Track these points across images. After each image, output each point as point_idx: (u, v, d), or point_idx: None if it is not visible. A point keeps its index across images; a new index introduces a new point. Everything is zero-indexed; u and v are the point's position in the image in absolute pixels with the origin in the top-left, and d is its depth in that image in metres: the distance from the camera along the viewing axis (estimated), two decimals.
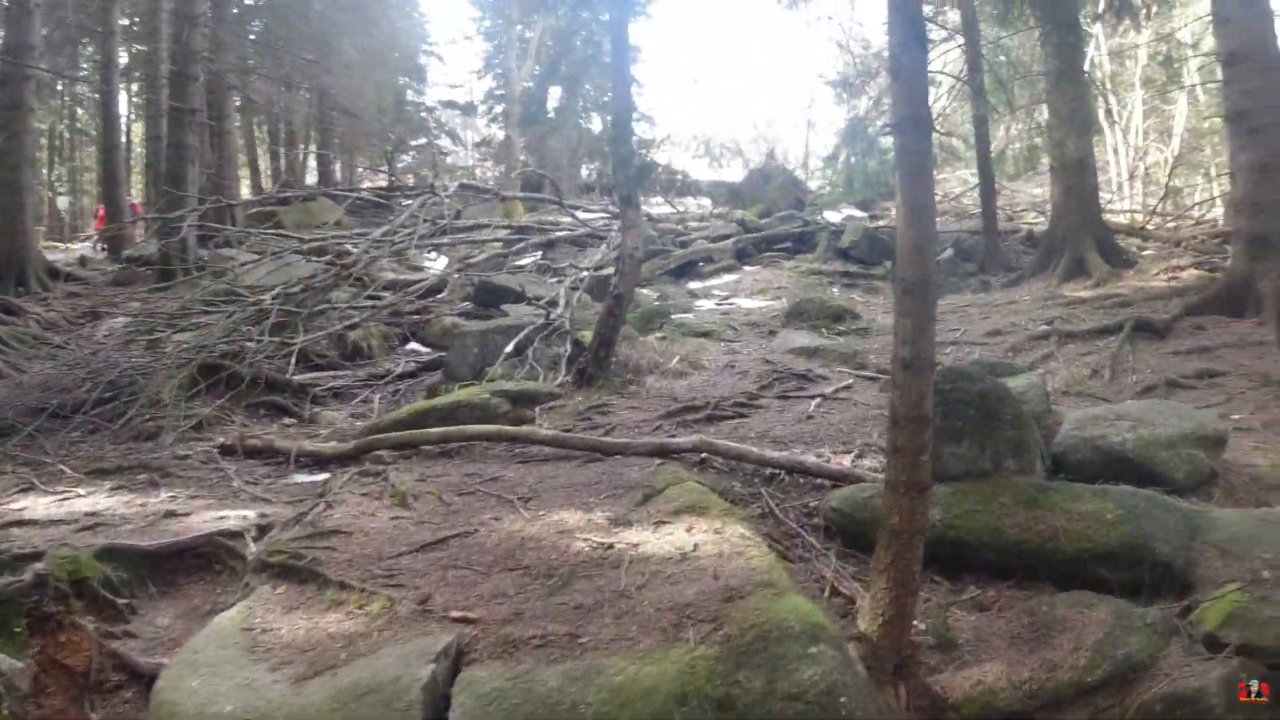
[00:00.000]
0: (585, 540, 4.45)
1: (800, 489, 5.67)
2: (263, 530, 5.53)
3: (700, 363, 9.27)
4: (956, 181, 25.29)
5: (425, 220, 16.71)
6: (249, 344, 9.78)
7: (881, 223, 19.13)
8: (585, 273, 14.30)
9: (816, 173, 27.55)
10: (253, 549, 5.22)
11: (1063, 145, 14.30)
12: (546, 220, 18.07)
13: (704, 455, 5.88)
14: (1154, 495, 4.96)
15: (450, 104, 33.68)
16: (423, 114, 32.97)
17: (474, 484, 5.64)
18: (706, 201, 25.99)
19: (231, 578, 5.07)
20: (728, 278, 15.30)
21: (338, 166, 32.71)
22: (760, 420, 7.08)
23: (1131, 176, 23.44)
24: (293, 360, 9.96)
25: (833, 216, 23.85)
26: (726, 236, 16.69)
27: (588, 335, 10.26)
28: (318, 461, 7.12)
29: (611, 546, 4.31)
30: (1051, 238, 14.54)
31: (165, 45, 19.22)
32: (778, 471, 5.74)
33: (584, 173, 34.68)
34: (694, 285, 15.16)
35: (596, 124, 35.36)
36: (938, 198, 24.50)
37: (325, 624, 4.06)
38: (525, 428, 6.79)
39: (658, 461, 5.76)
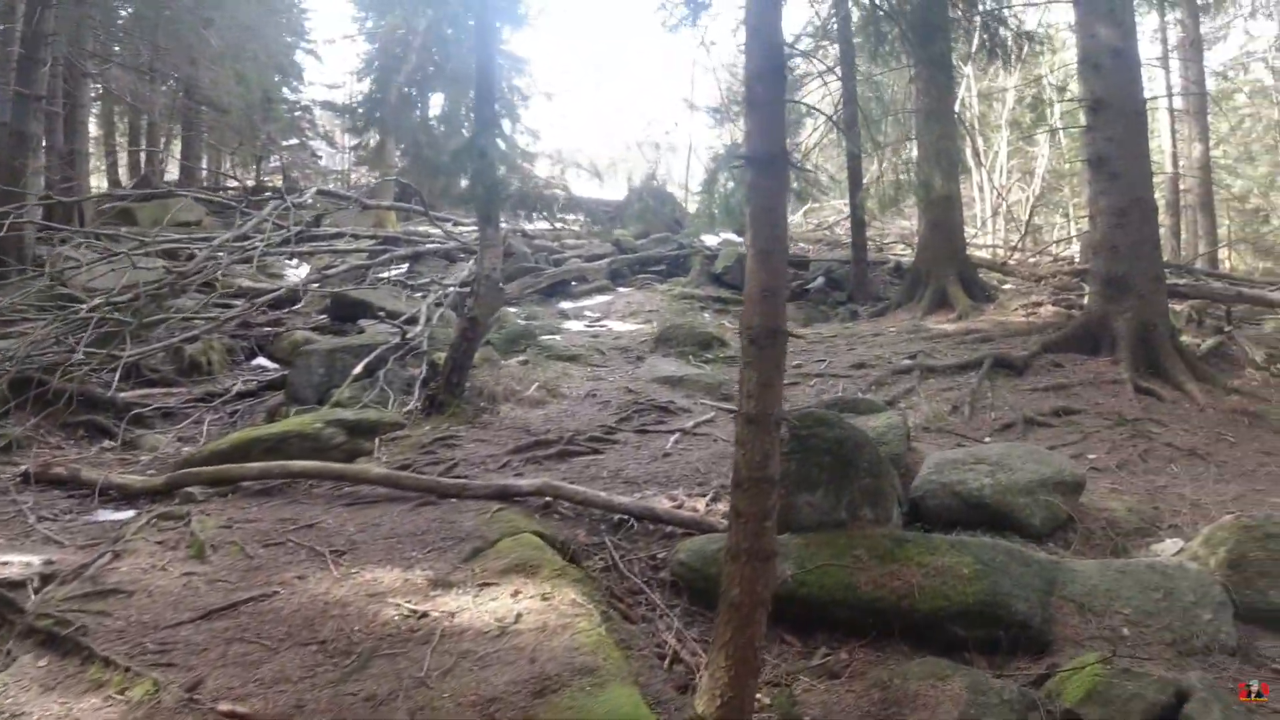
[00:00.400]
0: (397, 607, 3.91)
1: (650, 537, 5.25)
2: (46, 580, 4.79)
3: (560, 390, 8.80)
4: (832, 210, 25.63)
5: (280, 226, 15.86)
6: (73, 355, 8.81)
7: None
8: (450, 288, 13.67)
9: (696, 196, 27.52)
10: (33, 603, 4.48)
11: (930, 182, 14.44)
12: (416, 231, 17.31)
13: (548, 499, 5.40)
14: (1012, 548, 4.73)
15: (328, 105, 32.29)
16: (296, 113, 31.51)
17: (286, 531, 5.01)
18: (586, 220, 25.61)
19: (9, 636, 4.32)
20: (600, 299, 14.88)
21: (204, 163, 31.04)
22: (616, 457, 6.65)
23: (995, 214, 24.15)
24: (118, 375, 9.01)
25: (710, 240, 23.77)
26: (601, 256, 16.29)
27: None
28: (126, 496, 6.33)
29: (425, 615, 3.79)
30: (918, 270, 14.66)
31: (18, 27, 17.66)
32: (627, 518, 5.30)
33: (464, 183, 33.86)
34: (565, 305, 14.68)
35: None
36: (811, 226, 24.85)
37: (80, 711, 3.41)
38: (356, 465, 6.18)
39: (496, 506, 5.24)
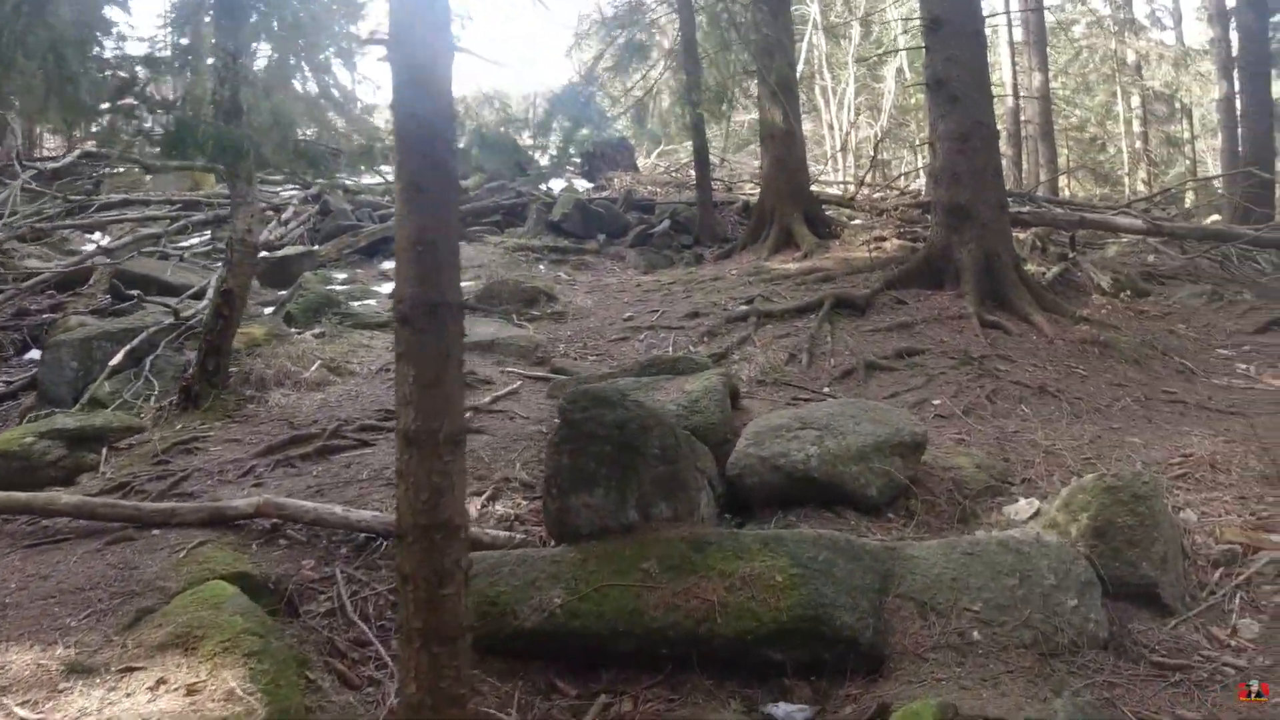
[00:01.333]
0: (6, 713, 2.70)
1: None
2: None
3: (349, 367, 7.51)
4: (685, 152, 24.58)
5: (58, 196, 13.83)
6: None
7: (606, 193, 17.93)
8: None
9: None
10: None
11: (771, 115, 13.52)
12: (225, 194, 15.41)
13: (275, 520, 4.18)
14: (839, 539, 3.78)
15: (150, 60, 29.19)
16: (106, 73, 28.34)
17: None
18: None
19: None
20: None
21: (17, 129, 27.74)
22: (387, 449, 5.45)
23: (843, 150, 23.59)
24: None
25: (556, 185, 22.47)
26: None
27: (247, 334, 8.27)
28: None
29: None
30: (762, 209, 13.77)
31: None
32: (374, 536, 4.15)
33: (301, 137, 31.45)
34: (388, 265, 13.21)
35: (313, 87, 32.09)
36: (664, 168, 23.76)
37: None
38: (45, 493, 4.80)
39: (198, 539, 3.99)
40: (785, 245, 12.96)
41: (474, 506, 4.51)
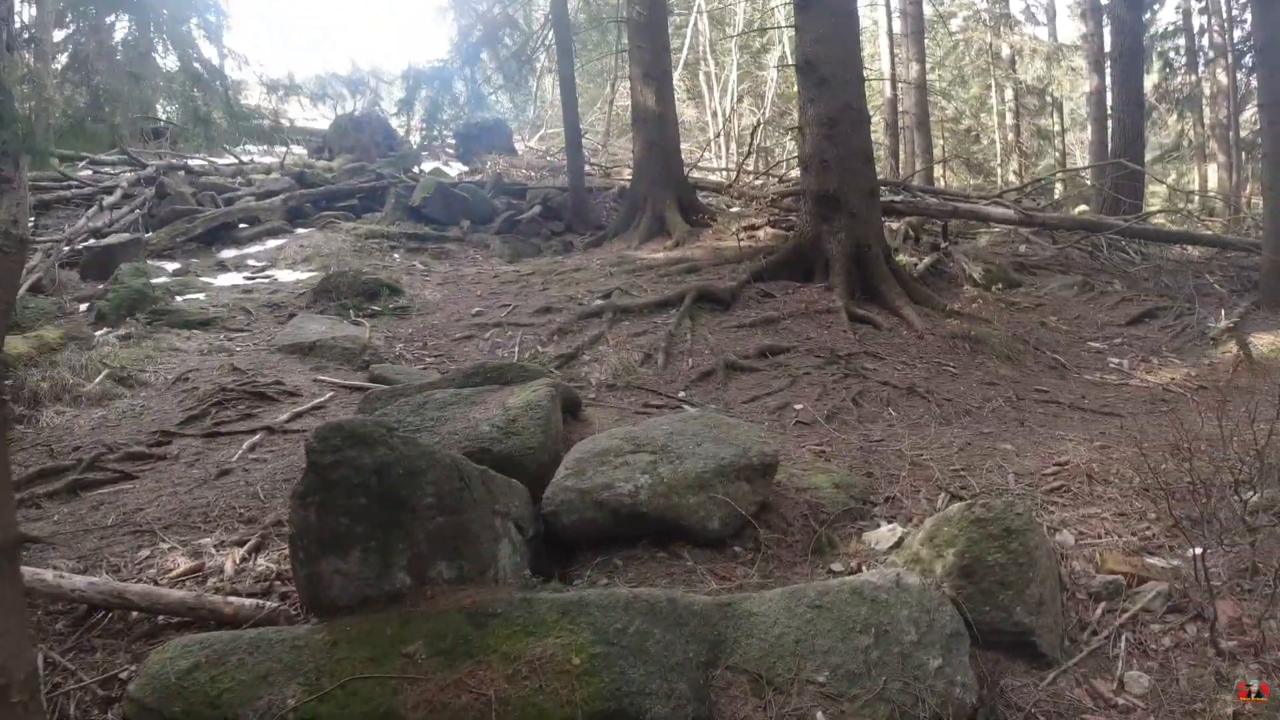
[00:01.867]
0: None
1: (127, 636, 3.22)
2: None
3: (141, 378, 6.46)
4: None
5: None
6: None
7: (478, 177, 16.90)
8: (67, 245, 10.73)
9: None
10: None
11: (643, 98, 12.80)
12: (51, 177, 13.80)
13: None
14: (656, 602, 3.06)
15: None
16: None
17: None
18: (301, 151, 22.41)
19: None
20: (272, 243, 12.30)
21: None
22: (152, 483, 4.51)
23: (725, 136, 23.09)
24: None
25: (427, 168, 21.30)
26: (277, 193, 13.61)
27: (38, 337, 7.16)
28: None
29: None
30: (635, 195, 13.07)
31: None
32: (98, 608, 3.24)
33: (162, 115, 29.16)
34: (228, 254, 12.01)
35: (172, 62, 29.73)
36: (541, 151, 22.82)
37: None
38: None
39: None
40: (657, 233, 12.29)
41: (231, 560, 3.63)
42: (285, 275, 10.98)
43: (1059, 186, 21.65)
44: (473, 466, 3.44)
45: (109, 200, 11.91)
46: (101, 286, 10.20)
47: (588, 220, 14.06)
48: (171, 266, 11.42)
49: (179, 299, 9.60)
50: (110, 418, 5.82)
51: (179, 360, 6.97)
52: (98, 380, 6.32)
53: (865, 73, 10.07)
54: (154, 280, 10.43)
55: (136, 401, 6.05)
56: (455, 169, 20.75)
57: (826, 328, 7.43)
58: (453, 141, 23.27)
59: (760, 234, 11.79)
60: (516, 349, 7.08)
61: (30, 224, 12.27)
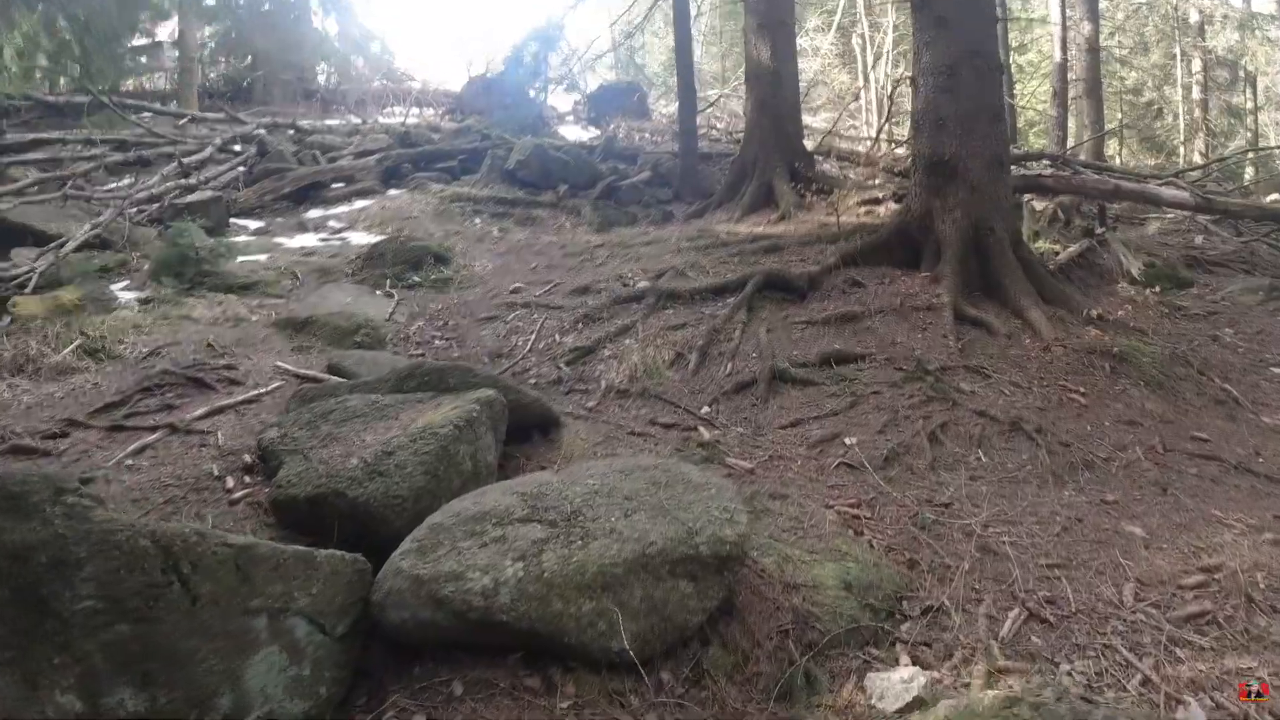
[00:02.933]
0: None
1: None
2: None
3: (117, 350, 5.56)
4: (704, 101, 22.05)
5: None
6: None
7: (590, 138, 15.61)
8: (143, 195, 10.18)
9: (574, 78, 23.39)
10: None
11: (756, 52, 11.15)
12: (154, 134, 13.45)
13: None
14: None
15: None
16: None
17: None
18: (429, 113, 21.88)
19: None
20: (359, 204, 11.47)
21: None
22: None
23: (876, 102, 20.96)
24: None
25: (568, 133, 20.22)
26: (373, 153, 12.79)
27: (54, 298, 6.53)
28: None
29: None
30: (743, 161, 11.46)
31: None
32: None
33: (321, 78, 29.38)
34: (313, 214, 11.25)
35: (333, 26, 29.71)
36: (673, 116, 21.26)
37: None
38: None
39: None
40: (763, 205, 10.69)
41: None
42: (358, 238, 10.07)
43: (1249, 170, 18.38)
44: (209, 547, 2.17)
45: (194, 158, 11.34)
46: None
47: (697, 188, 12.56)
48: (254, 225, 10.75)
49: (238, 259, 8.83)
50: (56, 396, 4.92)
51: (176, 331, 6.05)
52: (66, 351, 5.45)
53: (1022, 19, 8.11)
54: (222, 239, 9.77)
55: (92, 379, 5.13)
56: (588, 133, 19.61)
57: (921, 330, 5.75)
58: (582, 105, 22.16)
59: (881, 209, 10.01)
60: (533, 337, 5.78)
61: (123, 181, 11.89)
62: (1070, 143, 17.70)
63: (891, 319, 5.88)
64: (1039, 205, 9.56)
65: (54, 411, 4.60)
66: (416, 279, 7.60)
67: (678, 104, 13.18)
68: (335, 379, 4.76)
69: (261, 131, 13.12)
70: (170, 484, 3.64)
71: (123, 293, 7.75)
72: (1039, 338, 5.78)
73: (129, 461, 3.89)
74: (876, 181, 11.75)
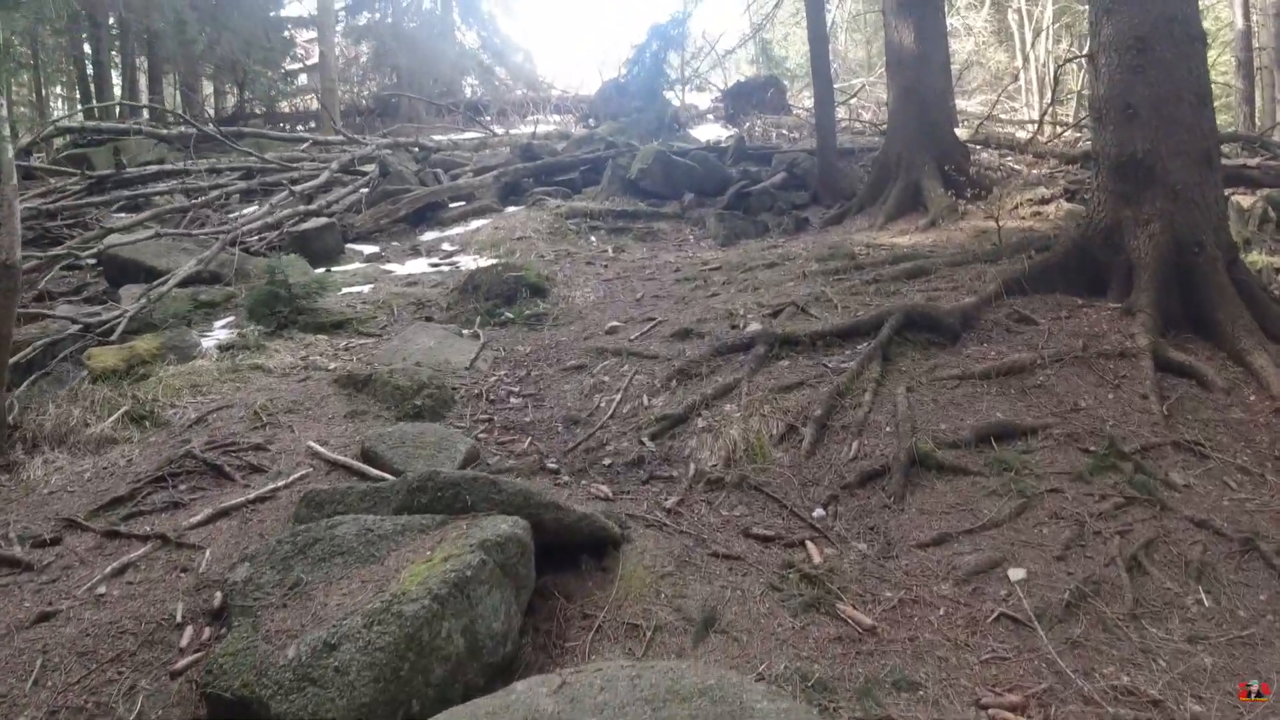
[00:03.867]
0: None
1: None
2: None
3: (164, 416, 4.95)
4: (844, 93, 20.43)
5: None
6: None
7: (725, 138, 14.40)
8: (257, 224, 9.84)
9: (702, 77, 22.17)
10: None
11: (899, 35, 9.74)
12: (283, 160, 13.27)
13: None
14: None
15: (300, 20, 28.06)
16: (285, 31, 27.17)
17: None
18: (556, 121, 21.27)
19: None
20: (476, 224, 10.79)
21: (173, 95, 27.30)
22: None
23: (1036, 84, 18.78)
24: None
25: (704, 132, 19.14)
26: (492, 169, 12.10)
27: (130, 348, 6.16)
28: None
29: None
30: (886, 158, 10.07)
31: None
32: None
33: (468, 91, 29.43)
34: (428, 236, 10.66)
35: (475, 39, 29.60)
36: (805, 113, 19.74)
37: None
38: None
39: None
40: (910, 208, 9.32)
41: None
42: (468, 261, 9.38)
43: None
44: None
45: (310, 184, 10.98)
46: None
47: (836, 189, 11.23)
48: (369, 250, 10.26)
49: (341, 291, 8.29)
50: (85, 476, 4.34)
51: (239, 388, 5.43)
52: (111, 420, 4.89)
53: None
54: (332, 268, 9.29)
55: (128, 453, 4.53)
56: (726, 131, 18.43)
57: (1112, 386, 4.38)
58: (720, 102, 20.95)
59: (1050, 209, 8.47)
60: (618, 397, 4.77)
61: (250, 208, 11.65)
62: (1256, 121, 15.13)
63: (1071, 371, 4.53)
64: (1243, 201, 7.77)
65: (66, 504, 3.98)
66: (509, 315, 6.75)
67: (813, 97, 11.86)
68: (366, 469, 3.91)
69: (386, 152, 12.70)
70: (127, 631, 2.88)
71: (212, 335, 7.28)
72: (1268, 393, 4.30)
73: (101, 590, 3.17)
74: (1043, 173, 10.10)
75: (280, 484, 3.85)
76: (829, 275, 6.33)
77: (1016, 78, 18.09)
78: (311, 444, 4.26)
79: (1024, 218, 8.38)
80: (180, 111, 21.24)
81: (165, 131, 15.39)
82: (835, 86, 14.49)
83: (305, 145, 13.99)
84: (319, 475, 3.98)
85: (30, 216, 10.58)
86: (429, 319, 7.14)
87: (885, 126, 14.32)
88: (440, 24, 27.57)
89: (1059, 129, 14.47)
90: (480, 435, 4.57)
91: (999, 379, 4.48)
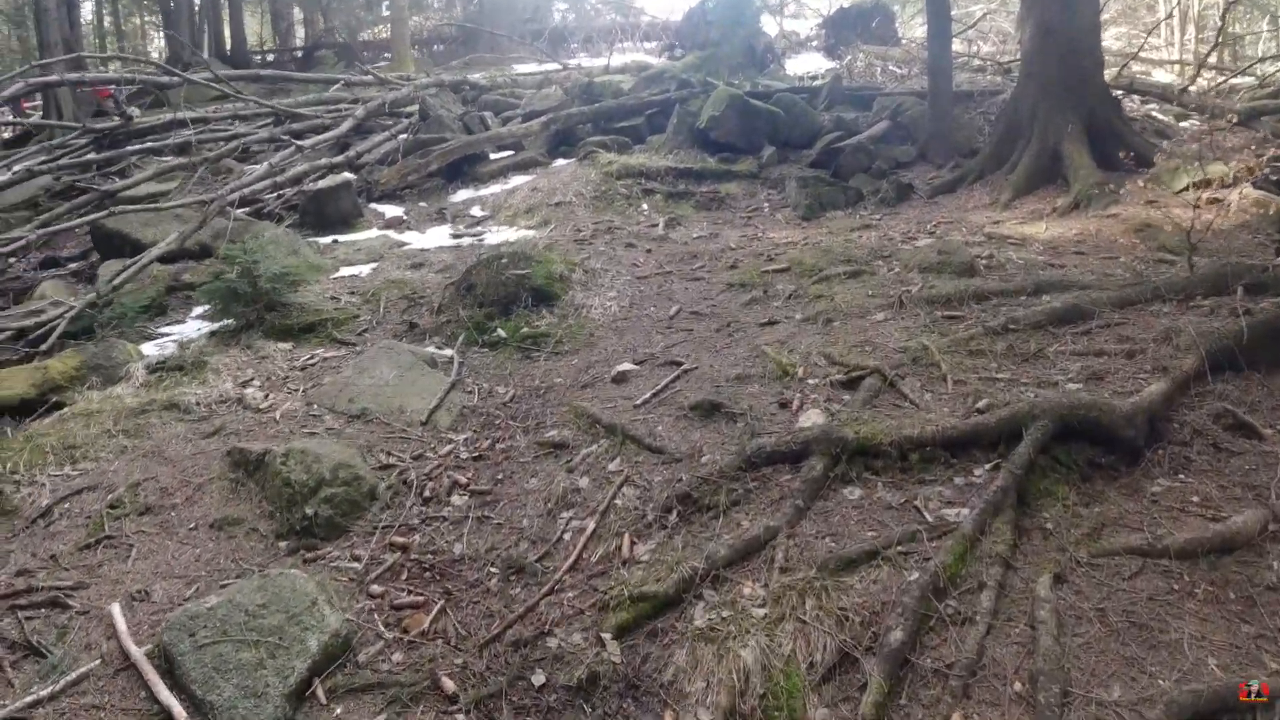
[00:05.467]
0: None
1: None
2: None
3: (12, 499, 3.53)
4: (961, 24, 17.38)
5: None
6: None
7: (833, 73, 12.03)
8: (263, 185, 8.31)
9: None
10: None
11: None
12: (323, 99, 11.61)
13: None
14: None
15: None
16: None
17: None
18: (645, 51, 19.05)
19: None
20: (515, 180, 9.00)
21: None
22: None
23: (1181, 18, 15.55)
24: None
25: (802, 64, 16.73)
26: (542, 113, 10.17)
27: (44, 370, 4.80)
28: None
29: None
30: (1015, 110, 7.78)
31: None
32: None
33: (556, 17, 27.19)
34: (460, 196, 8.94)
35: None
36: (915, 44, 16.93)
37: None
38: None
39: None
40: (1045, 180, 7.16)
41: None
42: (501, 233, 7.66)
43: None
44: None
45: (313, 140, 9.34)
46: (325, 240, 7.74)
47: (950, 144, 9.00)
48: (391, 212, 8.63)
49: (334, 275, 6.73)
50: None
51: (133, 442, 3.94)
52: None
53: None
54: (338, 239, 7.74)
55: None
56: (827, 63, 15.97)
57: None
58: (820, 29, 18.33)
59: (1233, 199, 6.16)
60: (591, 526, 3.04)
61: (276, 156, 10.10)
62: None
63: None
64: None
65: None
66: (501, 333, 5.04)
67: (926, 29, 9.51)
68: (157, 688, 2.31)
69: (429, 92, 10.91)
70: None
71: (171, 335, 5.86)
72: None
73: None
74: (1205, 136, 7.63)
75: (30, 699, 2.29)
76: (935, 306, 4.35)
77: (1169, 15, 15.00)
78: (115, 612, 2.69)
79: (1196, 205, 6.13)
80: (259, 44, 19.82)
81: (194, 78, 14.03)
82: (952, 14, 11.96)
83: (337, 86, 12.30)
84: (103, 678, 2.42)
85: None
86: (412, 325, 5.53)
87: (1012, 67, 11.77)
88: None
89: (1221, 74, 11.68)
90: (373, 591, 2.93)
91: (1209, 565, 2.55)
